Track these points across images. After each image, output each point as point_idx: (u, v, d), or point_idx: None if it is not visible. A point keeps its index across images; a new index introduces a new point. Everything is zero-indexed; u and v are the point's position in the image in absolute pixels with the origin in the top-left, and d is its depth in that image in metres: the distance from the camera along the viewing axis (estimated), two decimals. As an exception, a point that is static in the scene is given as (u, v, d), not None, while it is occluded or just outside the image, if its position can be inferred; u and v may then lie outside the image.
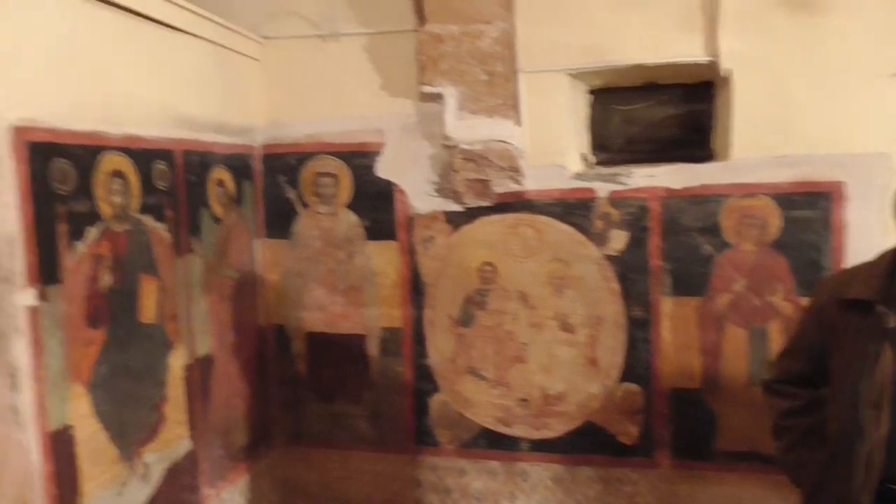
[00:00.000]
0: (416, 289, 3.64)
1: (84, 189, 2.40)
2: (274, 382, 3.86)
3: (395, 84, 3.56)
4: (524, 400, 3.57)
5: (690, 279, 3.29)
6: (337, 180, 3.70)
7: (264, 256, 3.80)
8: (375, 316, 3.71)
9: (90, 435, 2.44)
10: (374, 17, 3.54)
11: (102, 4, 2.48)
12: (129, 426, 2.65)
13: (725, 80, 3.20)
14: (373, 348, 3.74)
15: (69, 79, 2.34)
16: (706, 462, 3.35)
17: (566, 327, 3.48)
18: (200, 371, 3.15)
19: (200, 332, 3.16)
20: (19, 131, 2.11)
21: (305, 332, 3.82)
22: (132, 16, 2.66)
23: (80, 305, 2.39)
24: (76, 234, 2.36)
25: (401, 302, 3.67)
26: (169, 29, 2.90)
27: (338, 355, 3.78)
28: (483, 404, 3.62)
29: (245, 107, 3.60)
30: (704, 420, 3.34)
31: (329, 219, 3.72)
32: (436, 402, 3.68)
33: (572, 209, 3.40)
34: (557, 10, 3.28)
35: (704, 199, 3.24)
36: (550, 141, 3.39)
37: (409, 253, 3.62)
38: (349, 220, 3.70)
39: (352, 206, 3.69)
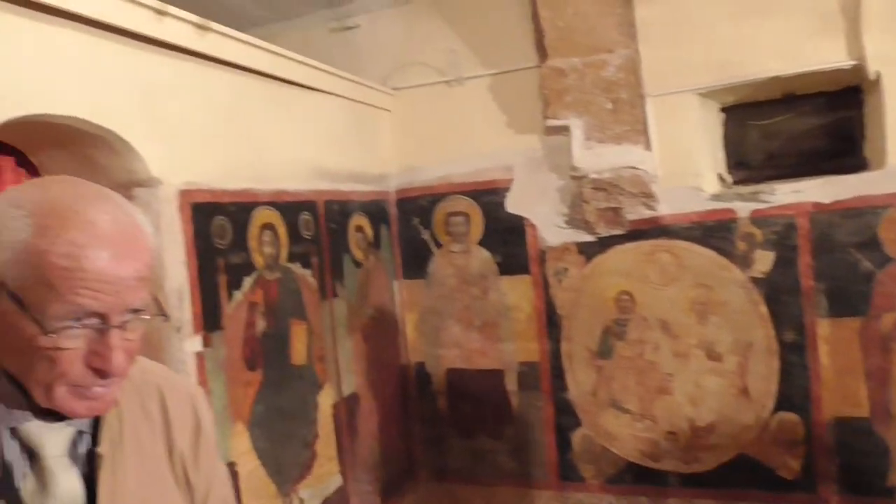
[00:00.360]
0: (551, 322, 3.62)
1: (240, 242, 2.60)
2: (416, 419, 3.95)
3: (520, 120, 3.61)
4: (672, 433, 3.42)
5: (848, 298, 3.05)
6: (468, 218, 3.78)
7: (403, 296, 3.92)
8: (512, 350, 3.71)
9: (250, 471, 2.60)
10: (496, 59, 3.63)
11: (252, 75, 2.71)
12: (285, 463, 2.80)
13: (874, 84, 2.98)
14: (511, 383, 3.73)
15: (225, 143, 2.57)
16: (879, 498, 3.05)
17: (713, 355, 3.32)
18: (347, 409, 3.28)
19: (346, 372, 3.30)
20: (184, 194, 2.34)
21: (445, 368, 3.88)
22: (277, 82, 2.88)
23: (238, 349, 2.57)
24: (234, 284, 2.56)
25: (537, 335, 3.65)
26: (308, 90, 3.11)
27: (477, 391, 3.81)
28: (627, 438, 3.50)
29: (379, 155, 3.78)
30: (875, 452, 3.05)
31: (462, 256, 3.80)
32: (578, 436, 3.60)
33: (712, 231, 3.26)
34: (681, 29, 3.21)
35: (860, 212, 3.01)
36: (683, 163, 3.29)
37: (543, 286, 3.61)
38: (482, 257, 3.76)
39: (484, 243, 3.75)
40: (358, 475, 3.33)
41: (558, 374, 3.61)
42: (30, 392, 0.91)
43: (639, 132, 3.29)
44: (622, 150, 3.30)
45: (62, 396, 0.89)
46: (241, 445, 2.56)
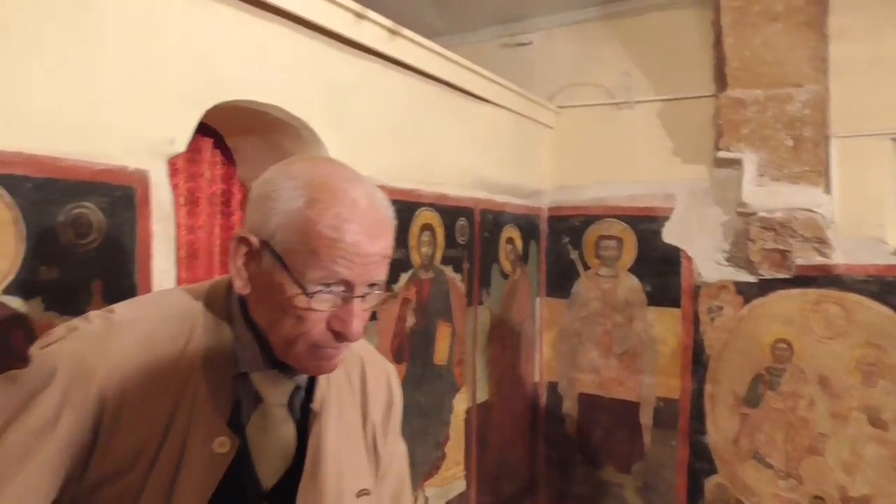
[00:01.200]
0: (697, 360, 3.45)
1: (401, 239, 2.69)
2: (543, 438, 3.89)
3: (688, 149, 3.48)
4: (819, 498, 3.14)
5: None
6: (620, 243, 3.69)
7: (544, 314, 3.89)
8: (651, 384, 3.57)
9: (385, 461, 2.66)
10: (670, 85, 3.53)
11: (430, 81, 2.80)
12: (416, 460, 2.84)
13: None
14: (646, 417, 3.59)
15: (398, 143, 2.66)
16: None
17: (877, 422, 3.03)
18: (479, 416, 3.29)
19: (482, 379, 3.31)
20: (358, 187, 2.44)
21: (577, 392, 3.80)
22: (450, 89, 2.96)
23: (388, 341, 2.65)
24: (391, 279, 2.64)
25: (680, 372, 3.49)
26: (477, 100, 3.17)
27: (609, 420, 3.69)
28: (768, 496, 3.26)
29: (536, 171, 3.78)
30: None
31: (610, 281, 3.71)
32: (712, 484, 3.40)
33: (892, 288, 2.98)
34: (879, 69, 2.98)
35: None
36: (867, 211, 3.04)
37: (693, 322, 3.45)
38: (630, 284, 3.65)
39: (634, 270, 3.64)
40: (482, 484, 3.32)
41: (698, 415, 3.43)
42: (272, 343, 1.00)
43: (819, 173, 3.07)
44: (798, 191, 3.10)
45: (300, 353, 0.98)
46: (378, 434, 2.62)
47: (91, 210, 1.55)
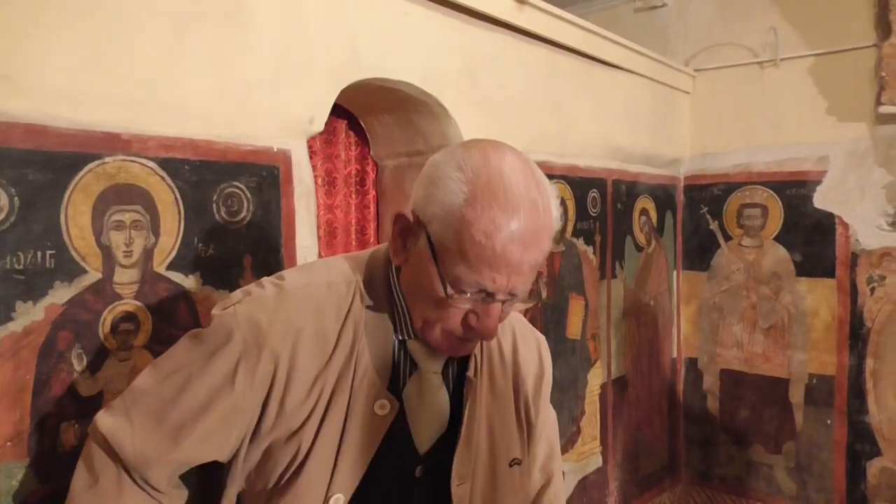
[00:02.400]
0: (855, 334, 3.16)
1: (532, 212, 2.64)
2: (682, 416, 3.73)
3: (843, 106, 3.17)
4: None
5: None
6: (765, 211, 3.44)
7: (681, 287, 3.71)
8: (802, 360, 3.32)
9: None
10: (822, 38, 3.22)
11: (560, 50, 2.72)
12: (552, 432, 2.81)
13: None
14: (797, 395, 3.35)
15: (531, 115, 2.61)
16: None
17: None
18: (614, 392, 3.20)
19: (617, 355, 3.22)
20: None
21: (719, 368, 3.61)
22: (582, 58, 2.86)
23: (521, 314, 2.62)
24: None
25: (835, 347, 3.22)
26: (611, 68, 3.05)
27: (755, 398, 3.48)
28: (942, 483, 2.95)
29: (672, 139, 3.59)
30: None
31: (754, 252, 3.47)
32: (875, 467, 3.12)
33: None
34: None
35: None
36: None
37: (850, 293, 3.16)
38: (777, 255, 3.40)
39: (780, 239, 3.39)
40: (618, 461, 3.24)
41: (858, 393, 3.15)
42: (413, 317, 1.03)
43: None
44: (977, 146, 2.74)
45: (434, 335, 1.00)
46: (514, 407, 2.61)
47: (241, 189, 1.63)
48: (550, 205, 0.98)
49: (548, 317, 2.77)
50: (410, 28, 2.07)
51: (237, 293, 1.04)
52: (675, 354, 3.71)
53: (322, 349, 0.99)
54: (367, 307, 1.03)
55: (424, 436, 1.05)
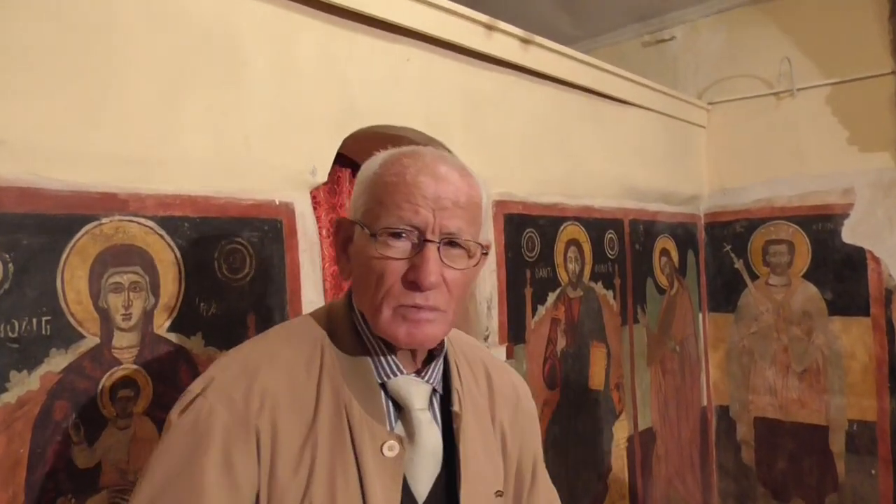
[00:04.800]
0: (895, 376, 3.11)
1: (546, 256, 2.65)
2: (716, 468, 3.66)
3: (866, 135, 3.19)
4: None
5: None
6: (791, 247, 3.43)
7: (708, 331, 3.69)
8: (841, 405, 3.27)
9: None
10: (838, 66, 3.26)
11: (568, 88, 2.77)
12: (577, 493, 2.76)
13: None
14: (837, 444, 3.29)
15: (539, 156, 2.64)
16: None
17: None
18: (642, 445, 3.15)
19: (643, 405, 3.17)
20: (499, 205, 2.45)
21: (753, 416, 3.55)
22: (592, 95, 2.90)
23: (539, 365, 2.61)
24: (539, 298, 2.61)
25: (875, 391, 3.17)
26: (621, 104, 3.09)
27: (793, 447, 3.41)
28: None
29: (689, 175, 3.61)
30: None
31: (782, 291, 3.45)
32: (928, 520, 3.04)
33: None
34: None
35: None
36: None
37: (887, 332, 3.13)
38: (807, 293, 3.38)
39: (810, 277, 3.37)
40: (649, 519, 3.17)
41: (902, 440, 3.09)
42: (368, 321, 1.04)
43: None
44: None
45: (387, 319, 1.00)
46: (535, 465, 2.57)
47: (243, 245, 1.64)
48: (467, 169, 1.06)
49: (568, 366, 2.74)
50: (409, 73, 2.12)
51: (195, 385, 1.02)
52: (704, 402, 3.66)
53: (302, 412, 0.99)
54: (341, 357, 1.04)
55: (423, 478, 1.04)
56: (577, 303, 2.81)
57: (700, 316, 3.67)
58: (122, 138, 1.44)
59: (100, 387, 1.38)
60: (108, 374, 1.39)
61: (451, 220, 0.99)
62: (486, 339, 2.37)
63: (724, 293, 3.65)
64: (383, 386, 1.05)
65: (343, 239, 1.08)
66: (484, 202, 1.07)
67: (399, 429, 1.04)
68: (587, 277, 2.87)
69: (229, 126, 1.63)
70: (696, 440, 3.57)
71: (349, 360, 1.04)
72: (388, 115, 2.04)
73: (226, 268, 1.61)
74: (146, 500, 0.94)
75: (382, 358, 1.05)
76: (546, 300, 2.64)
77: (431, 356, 1.10)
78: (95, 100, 1.40)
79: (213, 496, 0.94)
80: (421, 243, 0.98)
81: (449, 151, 2.24)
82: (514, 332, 2.49)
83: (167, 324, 1.50)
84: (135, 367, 1.43)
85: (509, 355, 2.47)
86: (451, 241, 1.00)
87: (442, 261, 0.99)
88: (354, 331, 1.07)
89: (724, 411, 3.65)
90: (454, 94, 2.28)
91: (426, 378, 1.07)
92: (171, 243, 1.51)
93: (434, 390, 1.09)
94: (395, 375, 1.05)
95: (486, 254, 1.06)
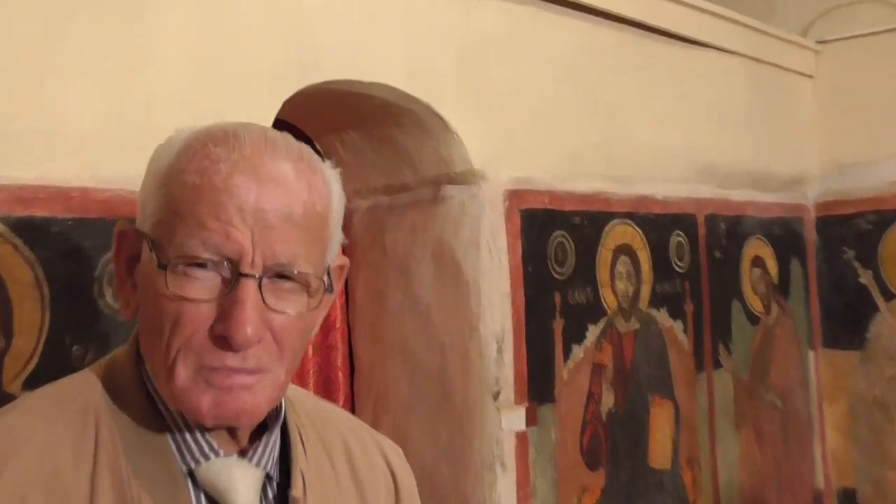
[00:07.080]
0: None
1: (585, 271, 2.67)
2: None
3: None
4: None
5: None
6: (944, 253, 3.48)
7: (823, 376, 3.72)
8: None
9: None
10: None
11: (608, 22, 2.80)
12: None
13: None
14: None
15: (568, 123, 2.67)
16: None
17: None
18: (730, 549, 3.18)
19: (728, 488, 3.20)
20: (513, 196, 2.46)
21: (893, 501, 3.58)
22: (641, 32, 2.93)
23: (575, 434, 2.62)
24: (574, 334, 2.63)
25: None
26: (688, 44, 3.12)
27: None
28: None
29: (790, 147, 3.66)
30: None
31: (931, 316, 3.51)
32: None
33: None
34: None
35: None
36: None
37: None
38: (968, 319, 3.43)
39: (974, 296, 3.42)
40: None
41: None
42: (160, 388, 1.01)
43: None
44: None
45: (185, 380, 0.96)
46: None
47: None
48: (309, 153, 1.03)
49: (616, 436, 2.75)
50: (388, 6, 2.14)
51: None
52: (820, 484, 3.69)
53: None
54: (126, 433, 1.03)
55: None
56: (631, 340, 2.83)
57: (810, 355, 3.71)
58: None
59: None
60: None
61: (281, 244, 0.97)
62: (495, 396, 2.38)
63: (846, 320, 3.69)
64: (191, 475, 1.03)
65: (127, 258, 1.04)
66: (334, 209, 1.04)
67: None
68: (645, 302, 2.90)
69: (127, 83, 1.64)
70: (808, 540, 3.60)
71: (138, 439, 1.02)
72: (352, 66, 2.07)
73: (111, 292, 1.61)
74: None
75: (188, 434, 1.03)
76: (585, 337, 2.66)
77: (263, 428, 1.08)
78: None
79: None
80: (234, 279, 0.95)
81: (440, 118, 2.27)
82: (538, 387, 2.51)
83: (24, 375, 1.50)
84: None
85: (531, 421, 2.47)
86: (280, 274, 0.98)
87: (265, 304, 0.97)
88: (145, 394, 1.04)
89: (848, 496, 3.68)
90: (446, 36, 2.30)
91: (254, 460, 1.07)
92: (31, 257, 1.51)
93: (268, 476, 1.08)
94: (208, 459, 1.03)
95: (330, 291, 1.05)
